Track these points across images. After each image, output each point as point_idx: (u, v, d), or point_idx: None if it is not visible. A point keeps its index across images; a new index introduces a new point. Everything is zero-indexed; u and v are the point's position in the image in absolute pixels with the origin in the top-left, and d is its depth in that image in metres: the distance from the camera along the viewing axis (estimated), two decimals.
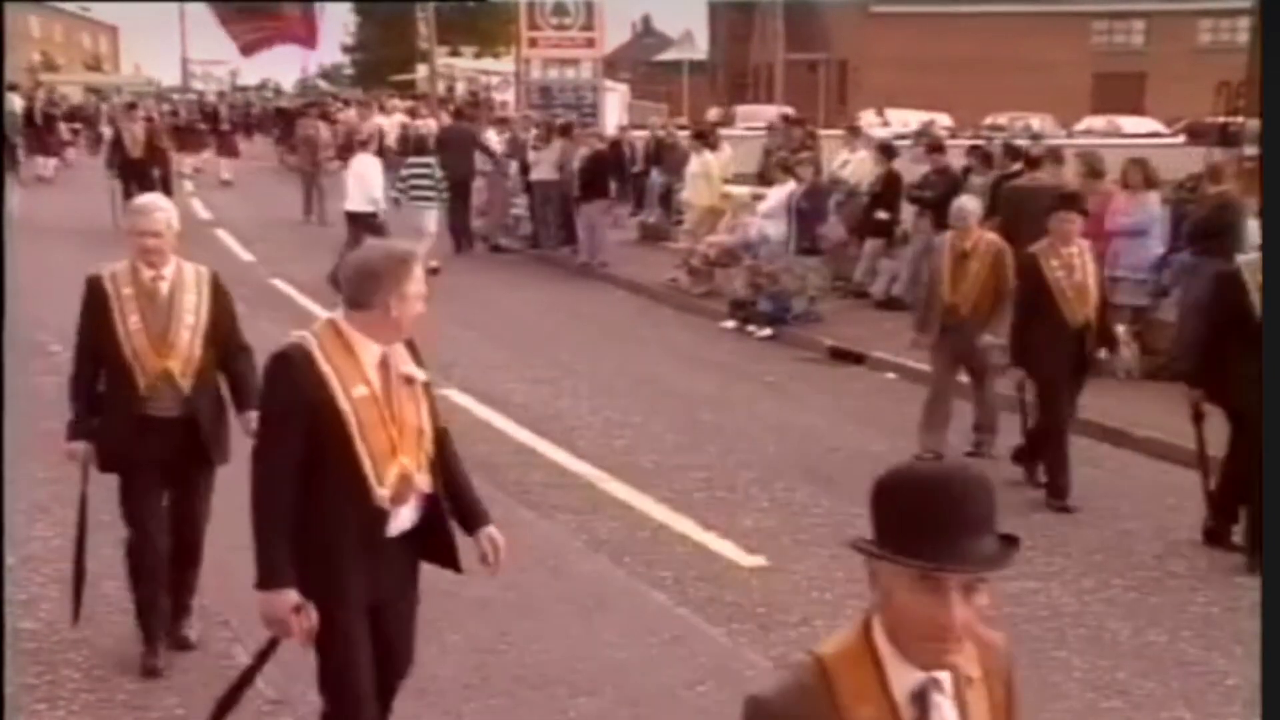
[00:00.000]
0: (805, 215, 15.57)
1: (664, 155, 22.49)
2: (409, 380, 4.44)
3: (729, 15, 73.26)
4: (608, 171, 19.80)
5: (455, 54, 48.56)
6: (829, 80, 59.54)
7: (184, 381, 6.06)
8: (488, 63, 48.84)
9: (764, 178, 18.86)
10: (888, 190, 16.19)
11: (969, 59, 54.53)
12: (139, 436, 6.07)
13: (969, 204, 10.10)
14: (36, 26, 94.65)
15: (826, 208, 16.10)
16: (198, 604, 6.97)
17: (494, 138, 23.15)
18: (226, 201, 27.89)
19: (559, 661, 6.38)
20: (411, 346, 4.53)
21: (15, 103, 37.24)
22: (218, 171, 32.17)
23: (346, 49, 78.17)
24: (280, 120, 39.50)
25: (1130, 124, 42.06)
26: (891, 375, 12.80)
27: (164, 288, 6.08)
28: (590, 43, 30.86)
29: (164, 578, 6.38)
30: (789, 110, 31.27)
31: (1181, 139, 34.23)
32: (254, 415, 5.58)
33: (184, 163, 30.69)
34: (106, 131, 39.47)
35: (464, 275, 18.41)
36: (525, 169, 21.37)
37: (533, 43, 30.31)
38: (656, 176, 22.51)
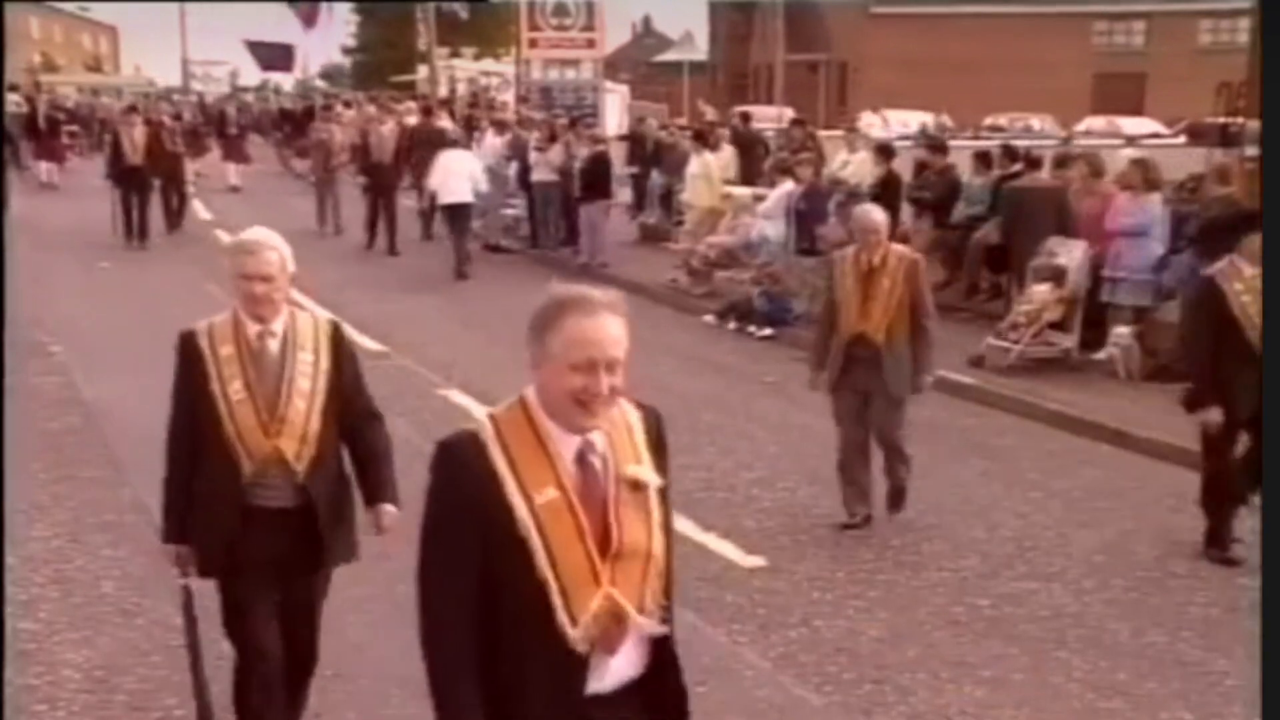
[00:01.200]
0: (805, 216, 15.59)
1: (664, 156, 22.49)
2: (635, 485, 3.24)
3: (729, 16, 73.24)
4: (609, 172, 19.78)
5: (456, 55, 48.57)
6: (829, 81, 59.54)
7: (299, 465, 4.89)
8: (488, 64, 48.87)
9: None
10: (887, 191, 16.17)
11: (969, 60, 54.56)
12: (243, 534, 4.94)
13: (874, 212, 8.45)
14: (36, 27, 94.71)
15: (826, 209, 16.09)
16: (200, 606, 6.96)
17: (495, 139, 23.16)
18: (235, 210, 25.83)
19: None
20: (654, 430, 3.41)
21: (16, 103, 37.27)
22: (223, 177, 30.93)
23: (347, 50, 78.21)
24: (284, 123, 38.26)
25: (1130, 124, 42.05)
26: None
27: (273, 346, 4.88)
28: (590, 43, 30.90)
29: (280, 699, 5.29)
30: (790, 111, 31.24)
31: (1182, 139, 34.24)
32: (389, 509, 5.17)
33: (187, 168, 28.84)
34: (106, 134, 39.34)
35: (448, 281, 18.41)
36: (525, 169, 21.37)
37: (533, 43, 30.36)
38: (657, 177, 22.50)
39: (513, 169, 21.99)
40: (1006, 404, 11.61)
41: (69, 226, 23.21)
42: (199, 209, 25.60)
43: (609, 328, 3.05)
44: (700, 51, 70.18)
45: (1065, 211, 13.44)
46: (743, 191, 17.92)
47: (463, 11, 37.58)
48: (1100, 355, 12.45)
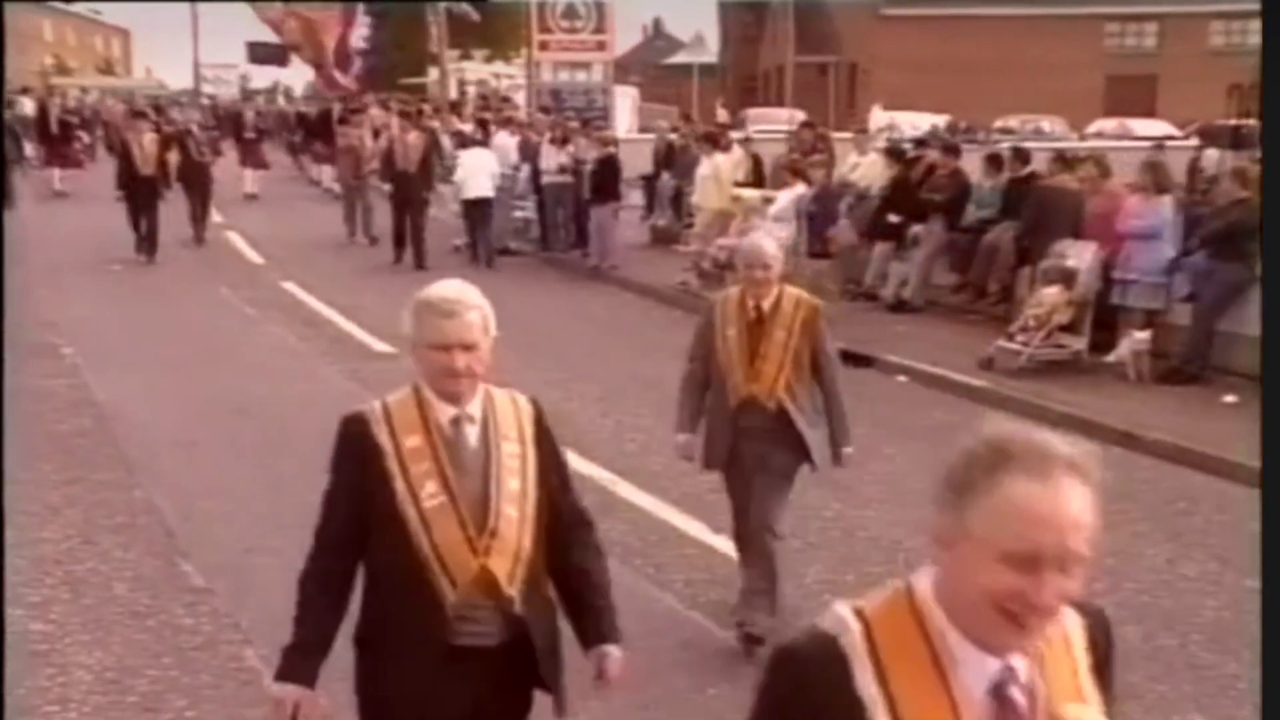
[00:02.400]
0: (815, 218, 15.58)
1: (674, 158, 22.50)
2: None
3: (739, 18, 73.21)
4: (619, 174, 19.79)
5: (466, 57, 48.60)
6: (839, 83, 59.49)
7: (512, 589, 3.69)
8: (499, 66, 48.90)
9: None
10: (898, 193, 16.17)
11: (980, 61, 54.44)
12: (443, 680, 3.67)
13: (765, 244, 6.70)
14: (49, 30, 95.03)
15: (836, 211, 16.09)
16: (208, 607, 6.99)
17: (507, 140, 23.17)
18: (253, 220, 25.36)
19: (568, 664, 6.36)
20: (1100, 645, 2.34)
21: (26, 106, 37.24)
22: (237, 183, 28.70)
23: (357, 52, 78.19)
24: (300, 126, 36.09)
25: (1142, 126, 41.96)
26: (902, 378, 12.79)
27: (472, 435, 3.75)
28: (601, 45, 30.93)
29: None
30: (800, 113, 31.26)
31: (1194, 141, 34.17)
32: (613, 653, 3.95)
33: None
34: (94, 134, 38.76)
35: (473, 278, 18.36)
36: (536, 172, 21.38)
37: (543, 46, 30.39)
38: (667, 179, 22.50)
39: (523, 171, 22.00)
40: (1016, 406, 11.56)
41: (81, 235, 23.06)
42: (212, 214, 24.41)
43: (1070, 501, 2.03)
44: (710, 54, 70.18)
45: (1083, 214, 13.44)
46: (753, 194, 17.91)
47: (473, 14, 37.48)
48: (1110, 358, 12.43)
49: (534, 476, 3.77)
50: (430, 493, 3.60)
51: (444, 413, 3.72)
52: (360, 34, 36.77)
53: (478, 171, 20.40)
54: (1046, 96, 49.42)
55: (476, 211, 20.39)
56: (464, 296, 3.89)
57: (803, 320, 6.52)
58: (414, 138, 21.25)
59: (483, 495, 3.65)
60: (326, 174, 30.49)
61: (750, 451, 6.61)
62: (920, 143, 20.55)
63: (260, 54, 44.71)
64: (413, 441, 3.67)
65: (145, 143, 20.62)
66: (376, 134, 24.42)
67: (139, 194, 20.10)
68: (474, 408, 3.78)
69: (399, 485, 3.62)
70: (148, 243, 20.03)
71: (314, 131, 32.56)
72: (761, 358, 6.49)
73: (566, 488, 3.95)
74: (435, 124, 25.46)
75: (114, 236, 20.58)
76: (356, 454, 3.73)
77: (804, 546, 8.08)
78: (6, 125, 31.01)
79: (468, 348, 3.75)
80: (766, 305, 6.53)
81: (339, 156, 24.65)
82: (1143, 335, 12.24)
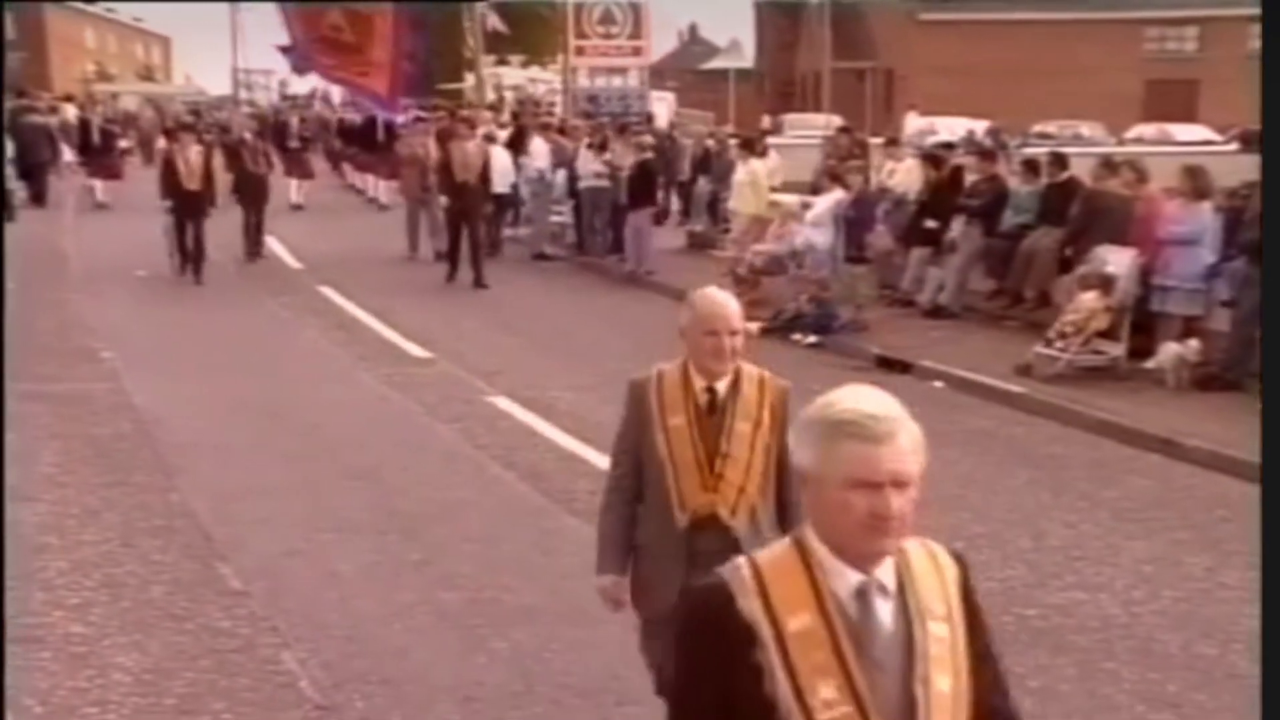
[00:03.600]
0: (853, 224, 15.56)
1: (711, 163, 22.49)
2: None
3: (776, 23, 73.07)
4: (655, 179, 19.80)
5: (503, 63, 48.79)
6: (876, 88, 59.32)
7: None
8: (535, 71, 49.05)
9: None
10: (935, 199, 16.12)
11: (1018, 66, 54.16)
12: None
13: (729, 299, 4.74)
14: (91, 38, 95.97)
15: (874, 216, 16.05)
16: (245, 610, 7.02)
17: (542, 146, 23.19)
18: (302, 234, 23.70)
19: (605, 669, 6.37)
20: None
21: (69, 112, 37.50)
22: (282, 193, 26.16)
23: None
24: (343, 134, 34.41)
25: (1182, 131, 41.69)
26: (939, 384, 12.74)
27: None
28: (637, 51, 30.97)
29: None
30: (837, 118, 31.19)
31: (1234, 146, 33.90)
32: None
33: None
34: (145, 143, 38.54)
35: (509, 283, 18.47)
36: (573, 177, 21.42)
37: (580, 51, 30.45)
38: (704, 184, 22.51)
39: (560, 176, 22.03)
40: (1054, 413, 11.53)
41: (119, 243, 23.09)
42: (273, 245, 22.56)
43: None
44: (747, 59, 70.20)
45: (1133, 220, 13.33)
46: (790, 199, 17.89)
47: (501, 26, 37.52)
48: (1149, 364, 12.35)
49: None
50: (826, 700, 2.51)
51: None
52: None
53: (496, 170, 20.96)
54: (1085, 101, 49.12)
55: (498, 204, 21.57)
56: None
57: (771, 407, 4.78)
58: (473, 146, 19.92)
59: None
60: (371, 183, 30.05)
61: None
62: (948, 145, 20.47)
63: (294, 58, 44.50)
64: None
65: (190, 155, 19.00)
66: (441, 141, 22.94)
67: (183, 210, 18.60)
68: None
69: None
70: (194, 263, 18.66)
71: (357, 139, 31.37)
72: (723, 458, 4.67)
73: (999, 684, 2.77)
74: (490, 129, 24.82)
75: (152, 245, 20.65)
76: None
77: None
78: (44, 129, 31.34)
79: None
80: (722, 387, 4.71)
81: (402, 167, 23.07)
82: (1192, 344, 12.11)
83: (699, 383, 4.71)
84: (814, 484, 2.52)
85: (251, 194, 20.97)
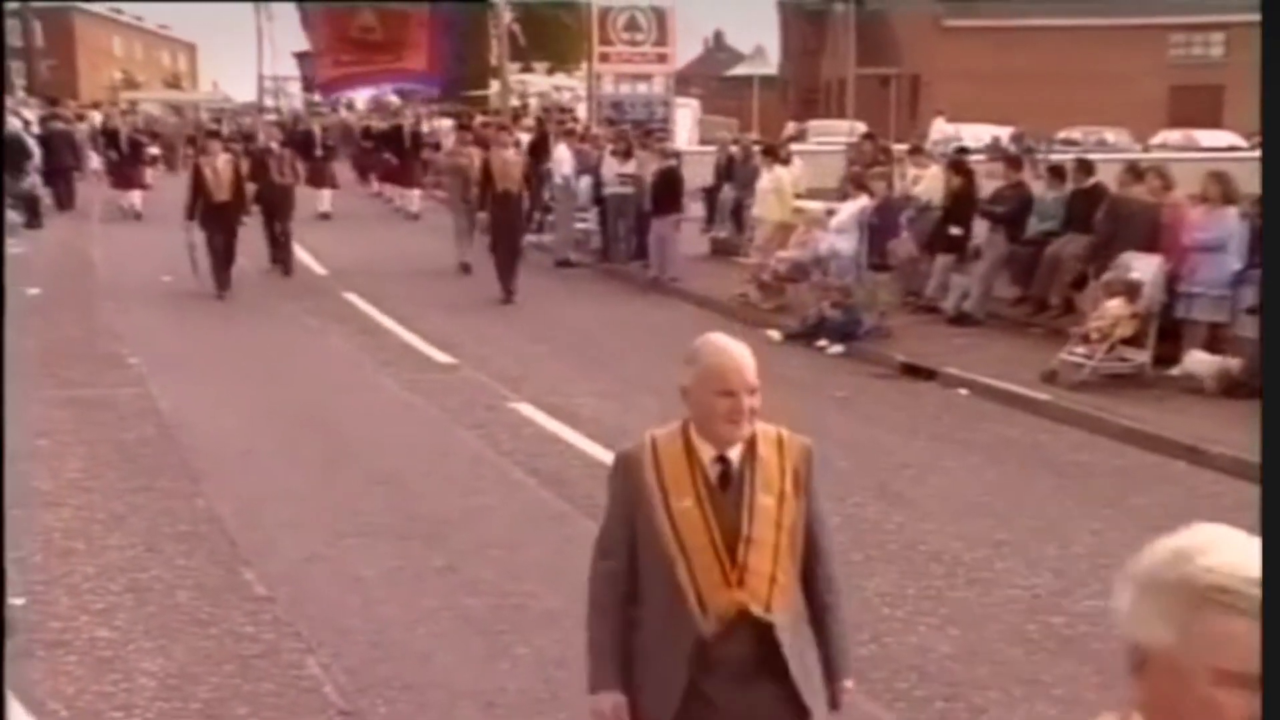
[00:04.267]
0: (876, 231, 15.53)
1: (735, 170, 22.49)
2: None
3: (800, 30, 73.08)
4: (680, 186, 19.79)
5: (528, 69, 48.84)
6: (900, 94, 59.23)
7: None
8: (560, 78, 49.09)
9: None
10: (959, 205, 16.08)
11: (1043, 72, 54.00)
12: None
13: (744, 352, 3.92)
14: (119, 45, 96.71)
15: (898, 223, 16.02)
16: (269, 615, 7.04)
17: (565, 152, 23.20)
18: (333, 245, 23.01)
19: None
20: None
21: (95, 119, 37.74)
22: (309, 203, 25.70)
23: (399, 91, 78.54)
24: (368, 140, 33.38)
25: (1207, 137, 41.50)
26: (963, 391, 12.70)
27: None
28: (662, 58, 30.96)
29: None
30: (861, 125, 31.18)
31: (1260, 152, 33.73)
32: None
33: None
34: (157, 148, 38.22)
35: (534, 290, 18.48)
36: (598, 183, 21.44)
37: (604, 58, 30.45)
38: (728, 191, 22.50)
39: (584, 183, 22.04)
40: (1079, 420, 11.49)
41: (146, 251, 23.23)
42: (303, 257, 21.88)
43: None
44: (771, 65, 70.15)
45: (1159, 227, 13.28)
46: (814, 205, 17.87)
47: (516, 29, 37.50)
48: (1175, 371, 12.29)
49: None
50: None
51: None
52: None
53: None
54: (1110, 107, 48.97)
55: None
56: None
57: (794, 474, 3.88)
58: (512, 154, 19.02)
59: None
60: (397, 192, 29.78)
61: (731, 704, 3.76)
62: (962, 150, 20.42)
63: (311, 71, 43.78)
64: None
65: (219, 166, 18.26)
66: (482, 145, 22.05)
67: (212, 223, 17.88)
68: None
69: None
70: (222, 276, 17.95)
71: (383, 147, 30.90)
72: (746, 543, 3.76)
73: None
74: (525, 136, 24.64)
75: (178, 253, 20.69)
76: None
77: (864, 560, 8.04)
78: (70, 136, 31.56)
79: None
80: (735, 455, 3.81)
81: (446, 176, 22.21)
82: (1234, 362, 12.00)
83: (707, 452, 3.79)
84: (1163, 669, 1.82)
85: (276, 205, 20.22)
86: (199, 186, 18.03)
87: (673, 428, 3.90)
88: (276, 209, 20.23)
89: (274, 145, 22.21)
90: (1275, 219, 2.10)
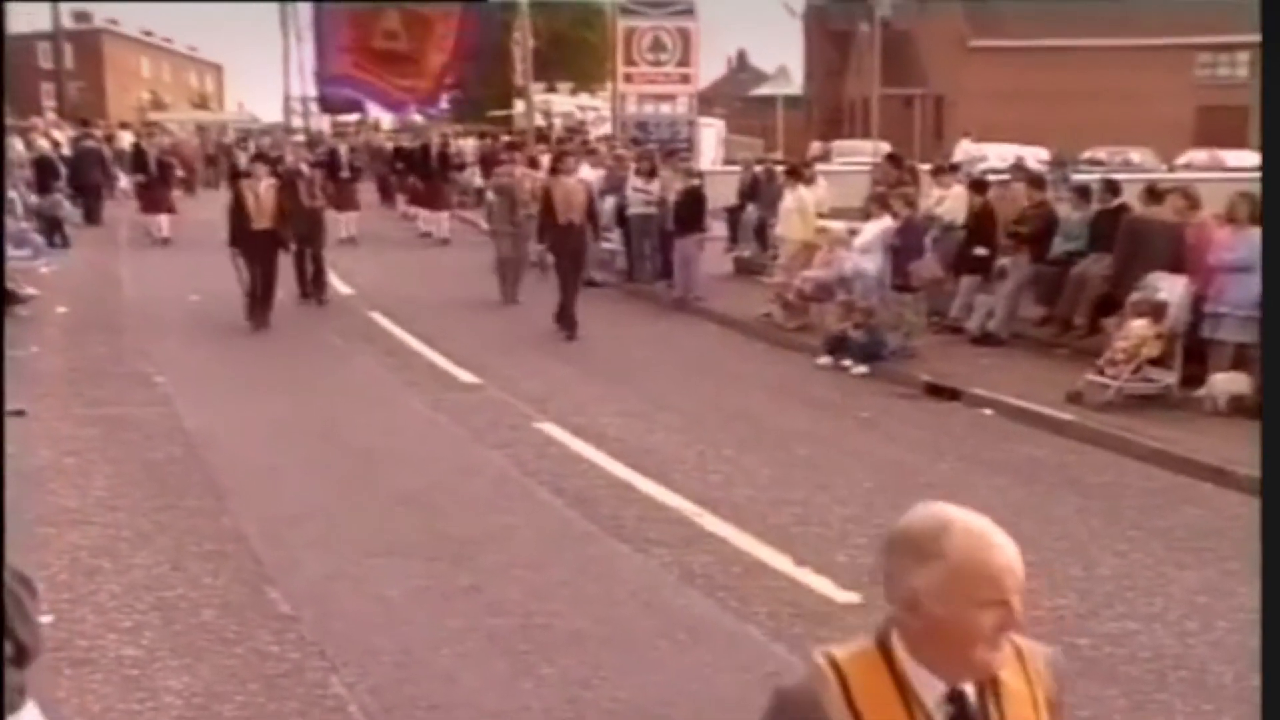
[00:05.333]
0: (900, 251, 15.53)
1: (759, 190, 22.51)
2: None
3: (824, 50, 73.18)
4: (704, 205, 19.82)
5: (552, 90, 49.03)
6: (925, 114, 59.24)
7: None
8: (584, 99, 49.27)
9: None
10: (984, 226, 16.06)
11: (1068, 92, 53.99)
12: None
13: (1005, 540, 2.45)
14: (147, 66, 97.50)
15: (922, 244, 16.01)
16: (294, 634, 7.06)
17: (588, 172, 23.23)
18: (364, 272, 22.29)
19: (652, 696, 6.37)
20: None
21: (125, 140, 38.01)
22: (334, 227, 23.51)
23: (424, 114, 78.88)
24: (398, 161, 32.06)
25: (1234, 157, 41.35)
26: (988, 411, 12.67)
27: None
28: (685, 78, 31.04)
29: None
30: (885, 145, 31.17)
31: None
32: None
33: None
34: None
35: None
36: (621, 204, 21.47)
37: (629, 78, 30.55)
38: (752, 211, 22.52)
39: (609, 203, 22.07)
40: (1105, 441, 11.44)
41: (173, 273, 23.31)
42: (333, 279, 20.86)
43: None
44: (795, 86, 70.23)
45: (1182, 247, 13.23)
46: (838, 225, 17.87)
47: (530, 39, 37.42)
48: (1201, 392, 12.24)
49: None
50: None
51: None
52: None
53: None
54: (1136, 127, 48.89)
55: None
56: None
57: (1047, 703, 2.54)
58: (575, 182, 17.80)
59: None
60: (423, 215, 28.95)
61: None
62: (991, 170, 20.42)
63: (332, 99, 42.73)
64: None
65: (261, 191, 17.15)
66: (533, 164, 21.86)
67: (252, 251, 16.83)
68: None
69: None
70: (260, 308, 16.94)
71: (412, 168, 29.94)
72: None
73: None
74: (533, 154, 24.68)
75: (204, 273, 20.79)
76: None
77: None
78: (98, 154, 32.31)
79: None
80: (971, 689, 2.45)
81: (492, 199, 21.11)
82: (1243, 379, 11.95)
83: (931, 688, 2.43)
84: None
85: (307, 230, 18.86)
86: (240, 213, 16.99)
87: (865, 649, 2.51)
88: (307, 235, 18.99)
89: (303, 167, 20.91)
90: (1275, 218, 2.10)
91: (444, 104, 37.21)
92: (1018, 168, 21.76)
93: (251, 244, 16.79)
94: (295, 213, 18.19)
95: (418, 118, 43.35)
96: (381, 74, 32.74)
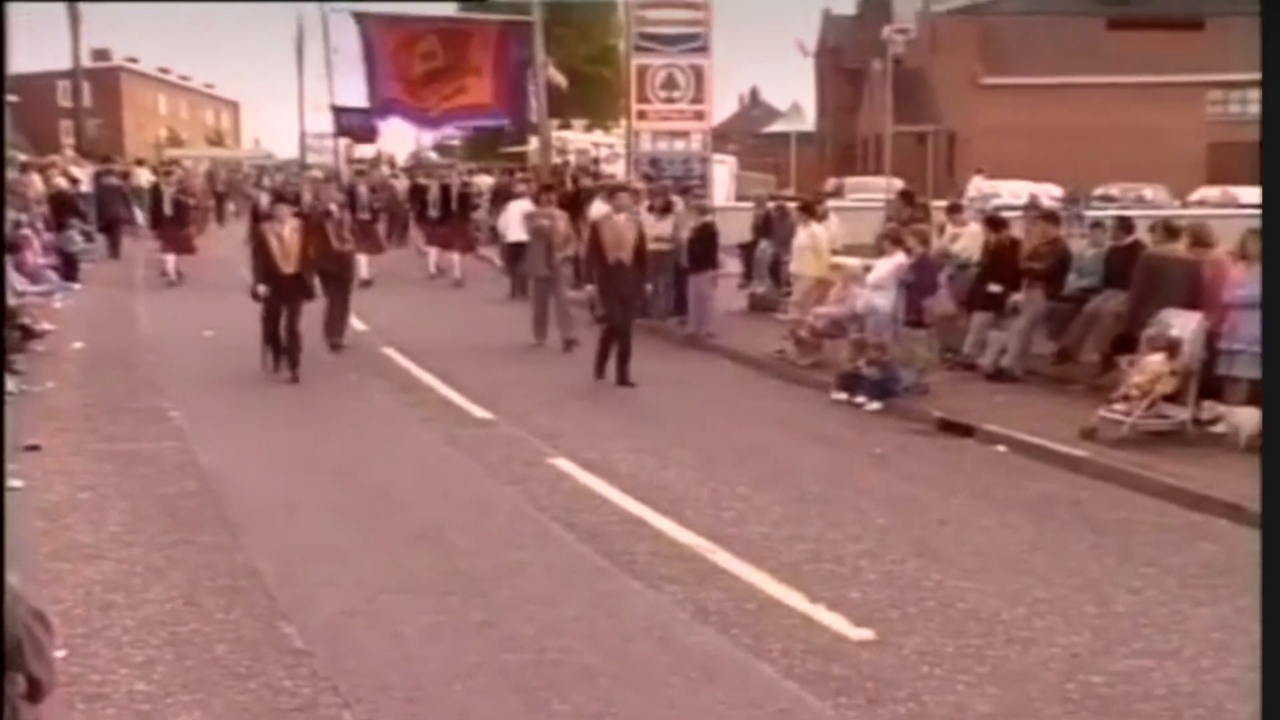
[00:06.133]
0: (913, 288, 15.54)
1: (773, 226, 22.56)
2: None
3: (837, 86, 73.48)
4: (716, 242, 19.86)
5: (566, 126, 49.24)
6: (938, 151, 59.35)
7: None
8: (598, 135, 49.46)
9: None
10: (999, 262, 16.06)
11: (1080, 129, 54.12)
12: None
13: None
14: (164, 103, 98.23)
15: (936, 281, 16.02)
16: (307, 669, 7.05)
17: (601, 207, 23.21)
18: (386, 314, 21.44)
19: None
20: None
21: (142, 177, 38.29)
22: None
23: (474, 128, 79.21)
24: (415, 200, 30.93)
25: (1247, 194, 41.33)
26: (1002, 448, 12.65)
27: None
28: (699, 115, 31.09)
29: None
30: (898, 181, 31.23)
31: None
32: None
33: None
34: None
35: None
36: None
37: (642, 115, 30.61)
38: (765, 247, 22.57)
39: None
40: (1119, 477, 11.42)
41: (191, 311, 23.37)
42: (359, 327, 19.85)
43: None
44: (808, 122, 70.58)
45: (1198, 284, 13.22)
46: (852, 262, 17.91)
47: (559, 78, 37.48)
48: (1219, 428, 12.20)
49: None
50: None
51: None
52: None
53: (515, 220, 23.78)
54: (1148, 164, 48.95)
55: (514, 252, 23.91)
56: None
57: None
58: (625, 219, 16.61)
59: None
60: (437, 256, 28.13)
61: None
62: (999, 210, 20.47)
63: (348, 124, 42.10)
64: None
65: (286, 233, 16.01)
66: (569, 210, 20.98)
67: (278, 297, 15.79)
68: None
69: None
70: (287, 358, 15.89)
71: (428, 206, 28.83)
72: None
73: None
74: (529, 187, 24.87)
75: (219, 309, 20.85)
76: None
77: (902, 617, 8.00)
78: (119, 190, 33.49)
79: None
80: None
81: (529, 239, 20.23)
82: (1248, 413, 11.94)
83: None
84: None
85: (334, 275, 17.58)
86: (264, 256, 16.00)
87: None
88: (335, 281, 17.68)
89: (333, 207, 19.39)
90: (1275, 220, 2.11)
91: (486, 122, 37.04)
92: (1032, 205, 21.81)
93: (277, 289, 15.79)
94: (324, 255, 17.11)
95: (433, 155, 43.46)
96: (425, 95, 32.70)
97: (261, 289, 15.85)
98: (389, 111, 32.59)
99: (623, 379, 15.81)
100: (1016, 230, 16.92)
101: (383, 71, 31.97)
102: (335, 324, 18.16)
